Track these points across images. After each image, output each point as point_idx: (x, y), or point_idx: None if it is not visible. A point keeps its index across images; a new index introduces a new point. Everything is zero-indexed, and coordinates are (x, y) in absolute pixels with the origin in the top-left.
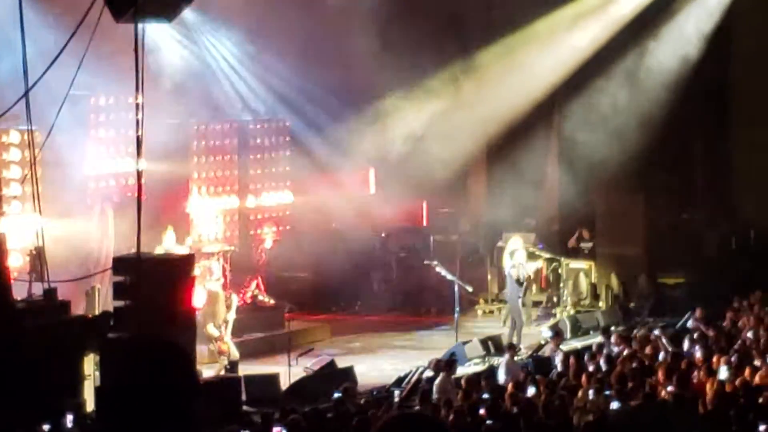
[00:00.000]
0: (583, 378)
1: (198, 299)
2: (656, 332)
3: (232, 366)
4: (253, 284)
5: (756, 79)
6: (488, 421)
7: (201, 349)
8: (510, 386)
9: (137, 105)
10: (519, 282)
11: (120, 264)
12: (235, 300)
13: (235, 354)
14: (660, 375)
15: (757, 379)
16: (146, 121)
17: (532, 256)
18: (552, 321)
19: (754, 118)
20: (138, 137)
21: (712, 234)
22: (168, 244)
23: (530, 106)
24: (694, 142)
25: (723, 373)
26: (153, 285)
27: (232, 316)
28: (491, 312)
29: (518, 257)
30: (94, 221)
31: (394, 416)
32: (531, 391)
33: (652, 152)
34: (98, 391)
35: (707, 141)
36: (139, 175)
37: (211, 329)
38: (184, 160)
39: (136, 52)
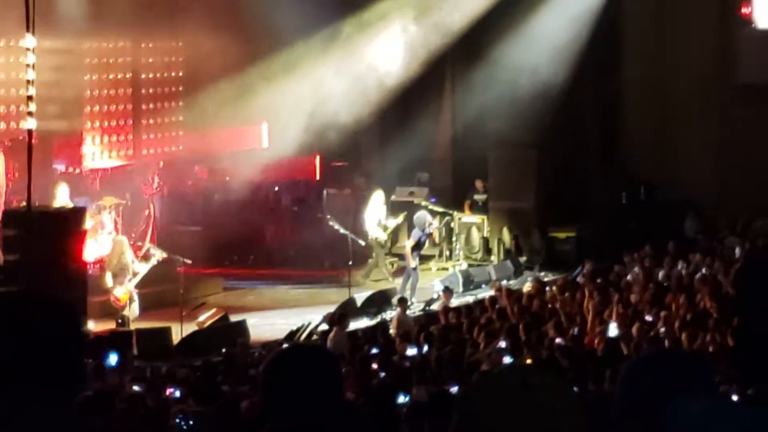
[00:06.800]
0: (475, 331)
1: (88, 253)
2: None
3: (123, 320)
4: (148, 238)
5: (647, 43)
6: (381, 374)
7: (93, 303)
8: (398, 340)
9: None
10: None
11: (9, 217)
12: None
13: (135, 312)
14: (550, 328)
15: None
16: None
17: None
18: (443, 275)
19: (645, 78)
20: (29, 81)
21: (602, 189)
22: (61, 200)
23: (426, 60)
24: (587, 99)
25: (612, 327)
26: (43, 239)
27: (143, 268)
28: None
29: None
30: None
31: (283, 349)
32: (424, 346)
33: (545, 109)
34: None
35: (599, 98)
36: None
37: (107, 278)
38: (76, 110)
39: None
